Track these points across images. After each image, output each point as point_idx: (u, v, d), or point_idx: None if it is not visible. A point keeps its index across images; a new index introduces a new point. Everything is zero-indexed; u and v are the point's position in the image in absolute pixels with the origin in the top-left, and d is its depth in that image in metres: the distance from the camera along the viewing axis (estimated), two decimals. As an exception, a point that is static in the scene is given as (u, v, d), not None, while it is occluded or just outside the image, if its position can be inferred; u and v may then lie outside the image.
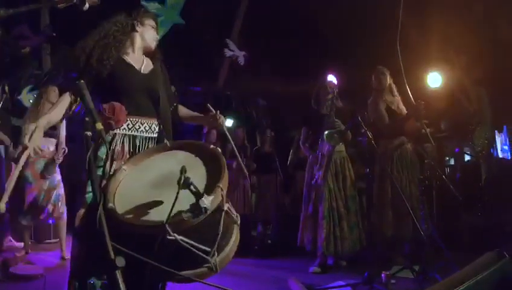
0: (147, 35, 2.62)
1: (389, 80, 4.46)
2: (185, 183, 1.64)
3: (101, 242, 1.36)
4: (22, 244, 5.22)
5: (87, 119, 1.61)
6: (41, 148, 4.99)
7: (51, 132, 4.98)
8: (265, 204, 7.06)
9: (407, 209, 3.56)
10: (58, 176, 5.04)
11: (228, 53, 9.19)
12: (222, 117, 2.57)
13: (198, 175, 1.88)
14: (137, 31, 2.59)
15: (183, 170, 1.65)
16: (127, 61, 2.51)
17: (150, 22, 2.65)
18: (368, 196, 4.49)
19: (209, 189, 1.79)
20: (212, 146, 2.10)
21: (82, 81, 1.73)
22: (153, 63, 2.63)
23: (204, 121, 2.76)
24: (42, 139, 5.02)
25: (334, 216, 4.31)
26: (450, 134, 7.34)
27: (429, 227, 4.04)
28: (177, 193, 1.63)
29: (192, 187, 1.66)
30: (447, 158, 7.96)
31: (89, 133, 1.58)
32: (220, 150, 2.07)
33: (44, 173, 4.91)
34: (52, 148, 5.02)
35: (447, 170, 7.53)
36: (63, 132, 5.10)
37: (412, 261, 3.73)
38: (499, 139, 7.15)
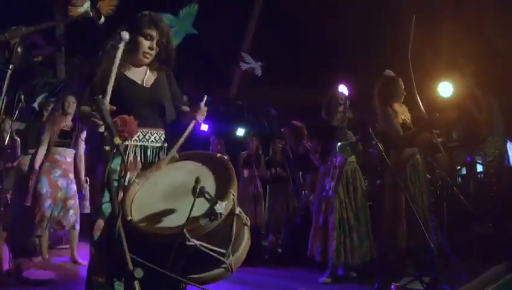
0: (136, 48, 2.52)
1: None
2: (200, 192, 1.76)
3: (120, 254, 1.41)
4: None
5: (105, 133, 1.67)
6: (58, 158, 5.11)
7: (67, 141, 5.08)
8: (276, 213, 7.08)
9: (420, 220, 3.54)
10: (74, 186, 5.09)
11: (244, 66, 9.26)
12: (203, 109, 2.48)
13: (208, 182, 1.98)
14: (131, 43, 2.50)
15: (198, 180, 1.77)
16: (129, 77, 2.54)
17: (145, 31, 2.52)
18: (375, 207, 4.47)
19: (221, 195, 1.89)
20: (218, 154, 2.21)
21: (100, 96, 1.79)
22: (157, 73, 2.64)
23: (189, 113, 2.59)
24: (59, 149, 5.14)
25: (345, 227, 4.32)
26: (462, 143, 7.32)
27: (439, 238, 4.02)
28: (194, 201, 1.75)
29: (206, 195, 1.78)
30: (459, 168, 7.93)
31: (107, 148, 1.64)
32: (226, 157, 2.18)
33: (59, 182, 4.99)
34: (69, 159, 5.11)
35: (459, 179, 7.50)
36: (81, 148, 5.18)
37: (422, 272, 3.72)
38: (511, 148, 7.12)
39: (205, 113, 2.49)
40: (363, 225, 4.42)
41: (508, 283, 1.98)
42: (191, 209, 1.75)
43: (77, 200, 5.10)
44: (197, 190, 1.76)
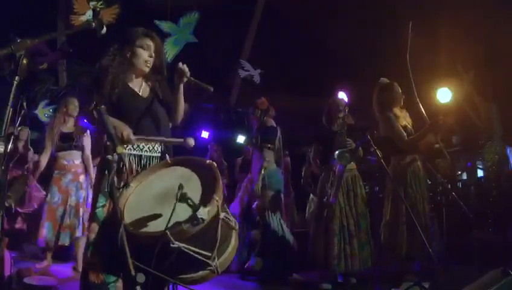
0: (136, 59, 2.67)
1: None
2: (182, 198, 1.89)
3: (122, 260, 1.45)
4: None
5: (108, 143, 1.71)
6: (66, 164, 5.10)
7: (72, 144, 5.07)
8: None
9: (420, 226, 3.56)
10: (84, 192, 5.05)
11: (243, 73, 9.30)
12: (183, 66, 2.57)
13: (195, 188, 2.09)
14: (130, 56, 2.67)
15: (180, 187, 1.90)
16: (131, 87, 2.67)
17: (141, 42, 2.68)
18: (375, 213, 4.48)
19: (206, 200, 1.99)
20: (208, 161, 2.29)
21: (103, 106, 1.84)
22: (151, 84, 2.76)
23: (176, 83, 2.66)
24: (64, 153, 5.13)
25: (345, 234, 4.32)
26: (461, 149, 7.33)
27: (439, 244, 4.03)
28: (174, 206, 1.87)
29: (189, 201, 1.90)
30: (459, 173, 7.93)
31: (110, 157, 1.68)
32: (215, 164, 2.25)
33: (69, 188, 4.97)
34: (77, 161, 5.08)
35: (459, 185, 7.50)
36: (87, 148, 5.17)
37: (422, 277, 3.74)
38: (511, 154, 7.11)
39: (186, 68, 2.56)
40: (364, 231, 4.43)
41: (503, 288, 2.00)
42: (172, 214, 1.86)
43: (85, 207, 5.01)
44: (178, 196, 1.88)
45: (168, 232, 1.84)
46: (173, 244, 1.86)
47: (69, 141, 5.06)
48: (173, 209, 1.85)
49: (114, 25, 7.42)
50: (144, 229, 1.96)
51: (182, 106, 2.74)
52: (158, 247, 1.83)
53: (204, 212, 1.87)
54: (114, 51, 2.66)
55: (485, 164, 6.43)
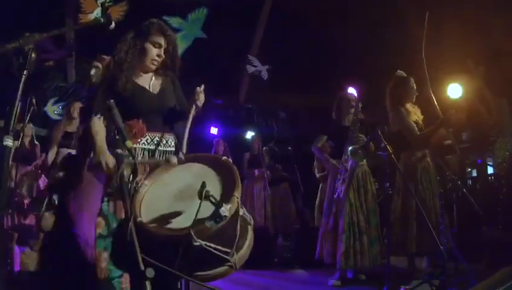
0: (144, 55, 2.61)
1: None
2: (206, 196, 1.86)
3: (131, 254, 1.45)
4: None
5: (117, 137, 1.70)
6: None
7: (67, 142, 5.25)
8: (286, 216, 7.10)
9: (430, 223, 3.52)
10: None
11: (251, 69, 9.32)
12: (200, 89, 2.56)
13: (214, 185, 2.06)
14: (139, 51, 2.60)
15: (204, 185, 1.86)
16: (139, 84, 2.61)
17: (153, 39, 2.60)
18: (385, 210, 4.45)
19: (226, 197, 1.98)
20: (224, 157, 2.28)
21: (112, 100, 1.82)
22: (162, 79, 2.70)
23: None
24: (56, 150, 5.41)
25: (355, 231, 4.29)
26: (472, 145, 7.27)
27: (449, 241, 4.00)
28: (199, 205, 1.85)
29: (212, 199, 1.88)
30: (469, 170, 7.87)
31: (119, 151, 1.67)
32: (231, 160, 2.25)
33: None
34: None
35: (469, 182, 7.44)
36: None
37: (432, 275, 3.71)
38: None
39: (202, 96, 2.55)
40: (374, 228, 4.40)
41: (514, 286, 1.97)
42: (197, 213, 1.85)
43: None
44: (203, 194, 1.85)
45: (192, 231, 1.84)
46: (196, 242, 1.85)
47: (68, 140, 5.27)
48: (198, 208, 1.85)
49: (123, 21, 7.44)
50: (165, 228, 1.96)
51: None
52: (182, 245, 1.84)
53: (226, 210, 1.87)
54: (127, 42, 2.60)
55: (495, 161, 6.37)
